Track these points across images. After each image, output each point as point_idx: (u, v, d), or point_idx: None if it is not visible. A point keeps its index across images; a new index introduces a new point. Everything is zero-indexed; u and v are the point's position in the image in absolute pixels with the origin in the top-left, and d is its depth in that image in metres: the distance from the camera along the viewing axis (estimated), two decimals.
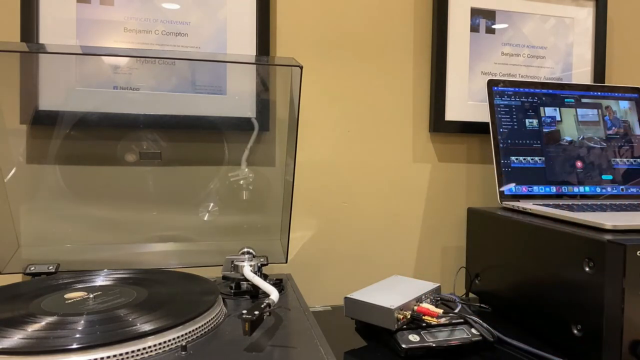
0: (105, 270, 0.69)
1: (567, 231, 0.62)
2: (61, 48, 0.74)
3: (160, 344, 0.47)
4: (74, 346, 0.44)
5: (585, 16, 1.01)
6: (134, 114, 0.78)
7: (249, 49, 0.83)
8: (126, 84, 0.78)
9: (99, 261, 0.75)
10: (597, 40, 1.01)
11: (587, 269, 0.58)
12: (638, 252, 0.54)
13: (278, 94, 0.85)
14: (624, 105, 0.93)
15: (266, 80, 0.84)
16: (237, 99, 0.82)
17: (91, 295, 0.58)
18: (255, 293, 0.66)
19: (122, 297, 0.57)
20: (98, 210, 0.78)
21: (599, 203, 0.81)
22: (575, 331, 0.60)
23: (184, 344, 0.48)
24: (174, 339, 0.49)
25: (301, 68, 0.67)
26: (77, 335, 0.46)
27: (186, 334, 0.50)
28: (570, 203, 0.81)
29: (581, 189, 0.87)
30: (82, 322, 0.49)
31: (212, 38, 0.82)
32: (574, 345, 0.60)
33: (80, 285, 0.63)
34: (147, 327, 0.48)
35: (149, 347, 0.47)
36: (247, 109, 0.83)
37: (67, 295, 0.58)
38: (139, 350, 0.46)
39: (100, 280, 0.65)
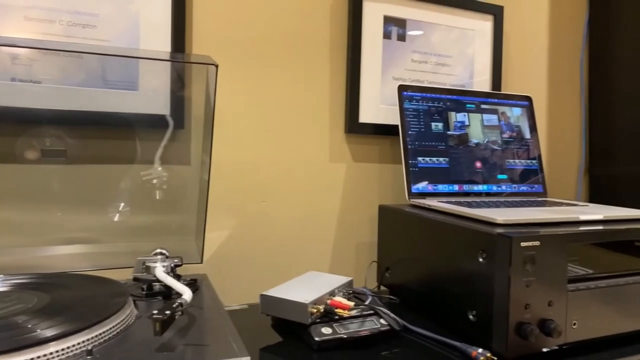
0: (1, 275, 0.64)
1: (464, 226, 0.68)
2: None
3: (63, 349, 0.45)
4: None
5: (485, 29, 1.10)
6: (36, 109, 0.73)
7: (164, 44, 0.81)
8: (27, 76, 0.73)
9: None
10: (494, 51, 1.11)
11: (480, 260, 0.64)
12: (522, 243, 0.60)
13: (194, 92, 0.84)
14: (517, 111, 1.03)
15: (182, 77, 0.82)
16: (151, 95, 0.80)
17: None
18: (168, 294, 0.65)
19: (20, 303, 0.54)
20: None
21: (494, 200, 0.89)
22: (471, 317, 0.66)
23: (89, 348, 0.47)
24: (78, 343, 0.47)
25: (217, 66, 0.67)
26: None
27: (92, 337, 0.48)
28: (470, 200, 0.88)
29: (480, 187, 0.95)
30: None
31: (123, 32, 0.79)
32: (469, 329, 0.66)
33: None
34: (48, 333, 0.46)
35: (51, 353, 0.45)
36: (161, 105, 0.81)
37: None
38: (38, 357, 0.44)
39: None
